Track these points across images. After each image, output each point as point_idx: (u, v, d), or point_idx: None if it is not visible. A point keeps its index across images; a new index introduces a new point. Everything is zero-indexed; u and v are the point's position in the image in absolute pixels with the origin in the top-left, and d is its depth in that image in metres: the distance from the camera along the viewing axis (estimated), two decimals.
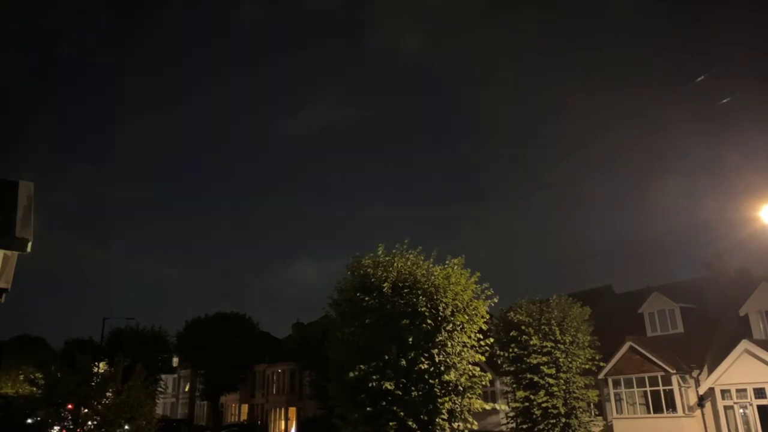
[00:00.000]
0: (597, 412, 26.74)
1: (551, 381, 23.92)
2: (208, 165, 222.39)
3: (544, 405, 23.72)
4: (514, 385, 25.32)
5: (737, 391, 22.85)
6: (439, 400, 16.85)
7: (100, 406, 27.26)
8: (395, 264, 18.07)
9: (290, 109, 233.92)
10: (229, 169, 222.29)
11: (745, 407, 22.74)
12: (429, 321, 17.06)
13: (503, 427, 28.94)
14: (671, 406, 24.36)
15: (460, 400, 17.32)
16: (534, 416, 23.96)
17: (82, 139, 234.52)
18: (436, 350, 17.08)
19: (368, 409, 16.74)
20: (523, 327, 24.87)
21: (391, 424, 16.54)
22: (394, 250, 18.68)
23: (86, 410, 27.58)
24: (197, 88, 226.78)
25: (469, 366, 17.84)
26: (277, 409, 54.55)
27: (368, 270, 18.16)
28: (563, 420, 23.72)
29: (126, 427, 26.69)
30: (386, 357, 17.12)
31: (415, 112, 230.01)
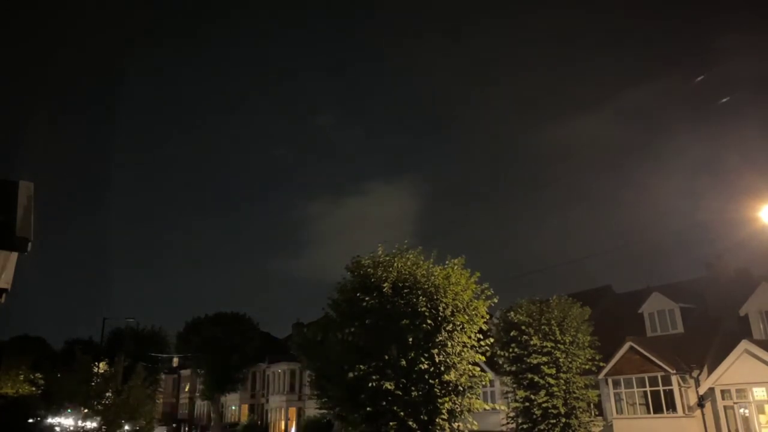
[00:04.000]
0: (597, 412, 26.73)
1: (551, 381, 23.92)
2: (208, 165, 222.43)
3: (544, 405, 23.72)
4: (514, 385, 25.31)
5: (737, 391, 22.85)
6: (439, 400, 16.87)
7: (100, 406, 27.28)
8: (395, 264, 18.08)
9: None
10: (229, 170, 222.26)
11: (745, 407, 22.74)
12: (429, 321, 17.06)
13: (503, 427, 28.92)
14: (671, 407, 24.36)
15: (460, 400, 17.33)
16: (534, 416, 23.96)
17: (82, 138, 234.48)
18: (436, 350, 17.09)
19: (368, 409, 16.76)
20: (523, 327, 24.86)
21: (391, 424, 16.55)
22: (394, 251, 18.70)
23: (86, 410, 27.62)
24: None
25: (469, 366, 17.84)
26: (277, 409, 54.56)
27: (368, 270, 18.17)
28: (563, 420, 23.72)
29: (126, 427, 26.70)
30: (386, 357, 17.14)
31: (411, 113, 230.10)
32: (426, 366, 16.80)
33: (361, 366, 16.98)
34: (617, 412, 26.13)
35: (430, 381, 16.91)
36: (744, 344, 22.59)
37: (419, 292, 17.39)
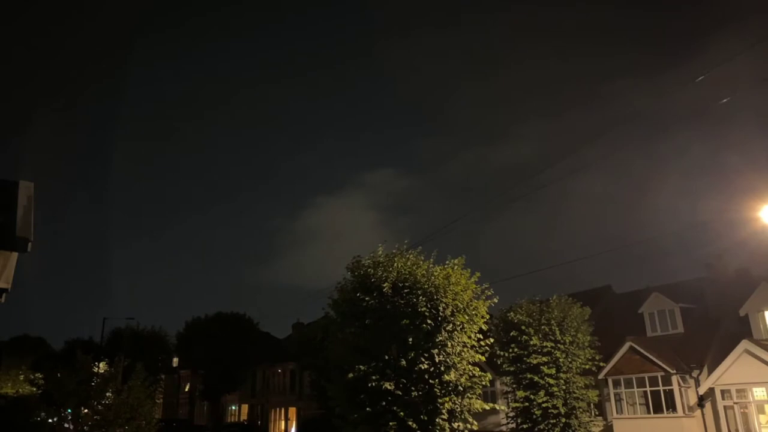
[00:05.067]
0: (597, 412, 26.72)
1: (551, 381, 23.92)
2: (206, 165, 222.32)
3: (544, 405, 23.72)
4: (514, 385, 25.32)
5: (737, 391, 22.84)
6: (439, 400, 16.86)
7: (100, 406, 27.24)
8: (395, 264, 18.08)
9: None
10: (229, 168, 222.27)
11: (745, 407, 22.73)
12: (429, 321, 17.06)
13: (503, 427, 28.92)
14: (671, 407, 24.35)
15: (460, 400, 17.32)
16: (534, 416, 23.96)
17: (82, 140, 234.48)
18: (436, 350, 17.08)
19: (368, 409, 16.75)
20: (523, 327, 24.87)
21: (391, 424, 16.54)
22: (394, 251, 18.69)
23: (86, 410, 27.58)
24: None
25: (469, 366, 17.84)
26: (277, 409, 54.53)
27: (368, 270, 18.17)
28: (563, 420, 23.72)
29: (126, 427, 26.64)
30: (386, 357, 17.14)
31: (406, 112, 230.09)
32: (426, 366, 16.80)
33: (361, 366, 16.97)
34: (617, 412, 26.12)
35: (430, 381, 16.91)
36: (744, 344, 22.57)
37: (419, 292, 17.38)
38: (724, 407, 23.13)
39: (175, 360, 62.65)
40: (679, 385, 24.44)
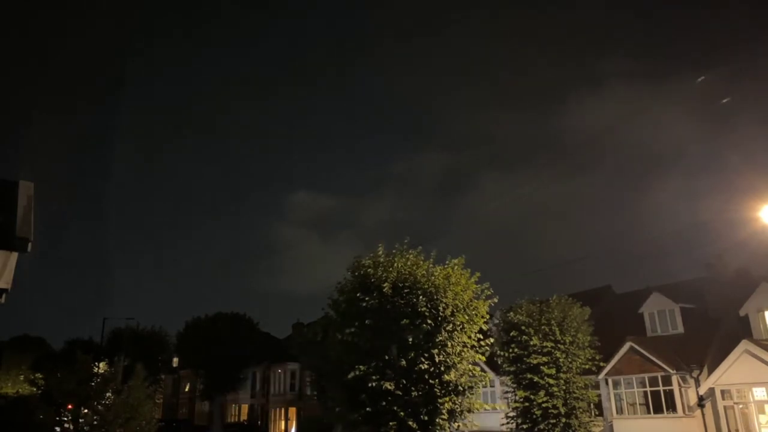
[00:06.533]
0: (597, 413, 26.73)
1: (551, 381, 23.92)
2: (207, 166, 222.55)
3: (544, 405, 23.72)
4: (514, 386, 25.32)
5: (737, 391, 22.86)
6: (439, 400, 16.87)
7: (100, 406, 27.30)
8: (395, 264, 18.07)
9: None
10: (229, 169, 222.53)
11: (745, 407, 22.74)
12: (429, 321, 17.07)
13: (503, 428, 28.91)
14: (671, 407, 24.36)
15: (460, 400, 17.34)
16: (534, 416, 23.96)
17: (84, 140, 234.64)
18: (436, 350, 17.09)
19: (368, 409, 16.76)
20: (523, 327, 24.86)
21: (391, 424, 16.55)
22: (394, 250, 18.69)
23: (86, 410, 27.63)
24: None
25: (469, 366, 17.85)
26: (277, 409, 54.60)
27: (368, 270, 18.16)
28: (563, 420, 23.72)
29: (126, 427, 26.68)
30: (386, 357, 17.15)
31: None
32: (426, 366, 16.80)
33: (361, 366, 16.97)
34: (617, 412, 26.13)
35: (430, 381, 16.91)
36: (744, 344, 22.59)
37: (419, 292, 17.38)
38: (724, 407, 23.14)
39: (175, 360, 62.67)
40: (679, 385, 24.45)
